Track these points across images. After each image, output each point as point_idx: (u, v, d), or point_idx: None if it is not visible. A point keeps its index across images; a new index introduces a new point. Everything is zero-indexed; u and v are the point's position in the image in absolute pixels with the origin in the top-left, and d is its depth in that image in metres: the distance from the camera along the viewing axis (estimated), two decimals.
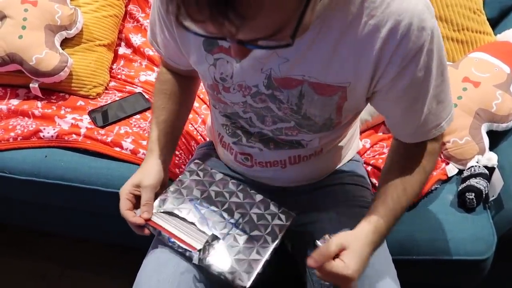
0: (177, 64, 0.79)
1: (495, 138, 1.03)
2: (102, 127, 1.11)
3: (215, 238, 0.72)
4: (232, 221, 0.74)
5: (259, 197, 0.80)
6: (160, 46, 0.77)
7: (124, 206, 0.75)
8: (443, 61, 0.63)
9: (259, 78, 0.66)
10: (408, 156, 0.71)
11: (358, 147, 1.00)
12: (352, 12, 0.57)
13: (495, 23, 1.22)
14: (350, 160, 0.93)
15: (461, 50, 1.14)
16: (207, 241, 0.71)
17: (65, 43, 1.18)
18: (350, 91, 0.63)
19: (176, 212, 0.75)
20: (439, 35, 0.61)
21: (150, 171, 0.77)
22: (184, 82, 0.83)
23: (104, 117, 1.13)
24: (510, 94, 1.03)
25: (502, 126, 1.02)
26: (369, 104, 0.78)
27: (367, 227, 0.66)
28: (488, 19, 1.18)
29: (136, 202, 0.76)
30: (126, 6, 1.33)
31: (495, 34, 1.17)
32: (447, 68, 0.65)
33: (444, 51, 0.63)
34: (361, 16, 0.57)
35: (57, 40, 1.15)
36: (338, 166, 0.90)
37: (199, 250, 0.70)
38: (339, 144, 0.85)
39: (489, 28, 1.16)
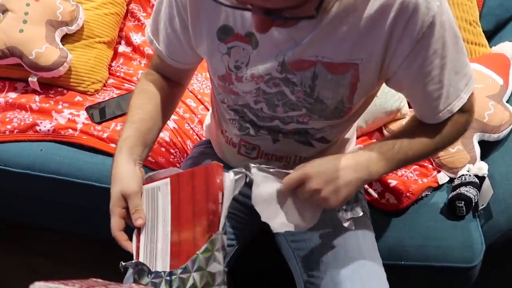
0: (178, 61, 0.77)
1: (487, 148, 1.05)
2: (99, 123, 1.11)
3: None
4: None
5: None
6: (161, 43, 0.76)
7: (117, 225, 0.68)
8: (457, 32, 0.64)
9: (273, 66, 0.67)
10: (433, 126, 0.70)
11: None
12: None
13: (491, 35, 1.24)
14: None
15: None
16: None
17: (65, 38, 1.19)
18: (362, 68, 0.65)
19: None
20: (448, 8, 0.62)
21: (126, 176, 0.69)
22: (170, 87, 0.81)
23: (101, 114, 1.13)
24: (502, 105, 1.04)
25: (494, 136, 1.03)
26: (365, 111, 0.80)
27: (348, 154, 0.67)
28: (483, 31, 1.20)
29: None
30: (127, 5, 1.34)
31: (490, 46, 1.19)
32: (461, 38, 0.65)
33: (455, 22, 0.63)
34: None
35: (58, 36, 1.16)
36: None
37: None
38: (340, 146, 0.86)
39: (484, 40, 1.18)
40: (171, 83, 0.81)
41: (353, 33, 0.62)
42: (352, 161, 0.66)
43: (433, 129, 0.70)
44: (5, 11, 1.13)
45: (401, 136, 0.70)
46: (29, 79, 1.14)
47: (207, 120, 1.01)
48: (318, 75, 0.66)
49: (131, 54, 1.32)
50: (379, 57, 0.63)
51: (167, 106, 0.79)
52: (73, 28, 1.17)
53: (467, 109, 0.72)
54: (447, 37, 0.62)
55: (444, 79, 0.65)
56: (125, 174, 0.69)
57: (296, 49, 0.64)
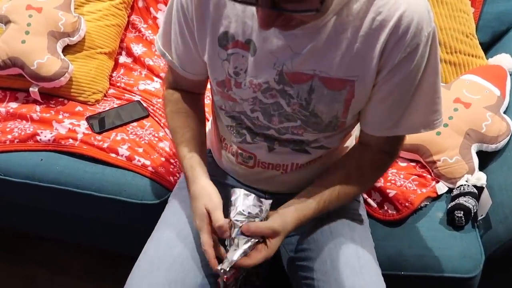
0: (190, 72, 0.79)
1: (485, 159, 1.05)
2: (99, 133, 1.12)
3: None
4: None
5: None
6: (173, 54, 0.77)
7: (209, 242, 0.70)
8: (437, 67, 0.67)
9: (270, 75, 0.68)
10: (359, 165, 0.76)
11: None
12: (362, 9, 0.62)
13: (487, 47, 1.26)
14: None
15: (454, 72, 1.18)
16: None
17: (67, 49, 1.20)
18: (358, 85, 0.67)
19: None
20: (436, 41, 0.65)
21: (207, 190, 0.73)
22: (193, 98, 0.84)
23: (101, 124, 1.14)
24: (499, 116, 1.05)
25: (492, 147, 1.04)
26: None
27: (295, 217, 0.73)
28: (480, 43, 1.21)
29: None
30: (129, 17, 1.36)
31: (487, 58, 1.20)
32: (440, 77, 0.68)
33: (438, 58, 0.67)
34: (370, 13, 0.62)
35: (59, 46, 1.17)
36: None
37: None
38: (337, 153, 0.86)
39: (481, 52, 1.19)
40: (193, 95, 0.84)
41: (350, 50, 0.64)
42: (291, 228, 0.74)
43: (359, 184, 0.78)
44: (7, 22, 1.15)
45: (331, 191, 0.75)
46: (30, 89, 1.15)
47: (207, 128, 1.01)
48: (315, 89, 0.68)
49: (131, 65, 1.33)
50: (373, 75, 0.65)
51: (201, 116, 0.84)
52: (75, 39, 1.19)
53: (395, 154, 0.79)
54: (423, 67, 0.65)
55: (410, 104, 0.69)
56: (206, 189, 0.73)
57: (295, 61, 0.66)
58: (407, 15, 0.61)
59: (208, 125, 0.99)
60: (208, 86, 0.85)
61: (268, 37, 0.65)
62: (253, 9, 0.65)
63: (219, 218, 0.70)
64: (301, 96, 0.69)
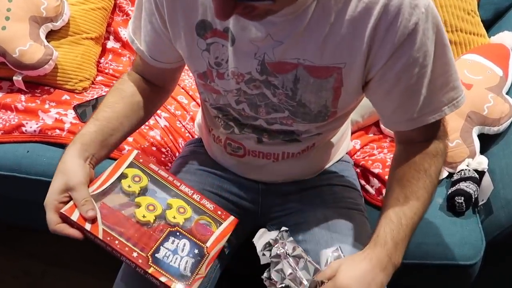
0: (158, 61, 0.74)
1: (486, 142, 1.02)
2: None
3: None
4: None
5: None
6: (142, 42, 0.73)
7: (54, 221, 0.62)
8: (444, 41, 0.61)
9: (252, 65, 0.64)
10: (407, 162, 0.68)
11: (349, 147, 0.99)
12: None
13: (490, 24, 1.21)
14: (340, 160, 0.92)
15: (455, 51, 1.13)
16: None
17: (50, 35, 1.15)
18: (345, 73, 0.62)
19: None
20: (435, 15, 0.60)
21: (72, 169, 0.64)
22: (150, 91, 0.77)
23: (89, 113, 1.10)
24: (502, 98, 1.01)
25: (494, 129, 1.01)
26: (360, 104, 0.77)
27: (368, 250, 0.63)
28: (482, 21, 1.16)
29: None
30: None
31: (489, 36, 1.16)
32: (451, 51, 0.63)
33: (444, 31, 0.61)
34: None
35: (42, 32, 1.12)
36: (328, 166, 0.88)
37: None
38: (331, 140, 0.83)
39: (483, 30, 1.15)
40: (152, 87, 0.78)
41: (335, 36, 0.59)
42: (376, 261, 0.61)
43: (420, 179, 0.66)
44: None
45: (397, 202, 0.65)
46: (14, 78, 1.10)
47: (198, 117, 0.98)
48: (300, 79, 0.63)
49: (120, 50, 1.28)
50: (362, 62, 0.60)
51: (142, 109, 0.75)
52: (58, 24, 1.14)
53: (441, 136, 0.70)
54: (431, 46, 0.59)
55: (422, 89, 0.62)
56: (70, 166, 0.64)
57: (276, 50, 0.61)
58: None
59: (198, 116, 0.96)
60: None
61: (246, 26, 0.61)
62: None
63: (83, 195, 0.62)
64: (286, 86, 0.65)
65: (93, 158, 0.68)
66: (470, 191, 0.92)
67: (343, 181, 0.88)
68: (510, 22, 1.16)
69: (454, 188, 0.94)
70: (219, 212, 0.71)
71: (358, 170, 1.00)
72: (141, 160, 0.72)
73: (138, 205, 0.67)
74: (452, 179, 0.97)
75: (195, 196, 0.71)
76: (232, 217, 0.72)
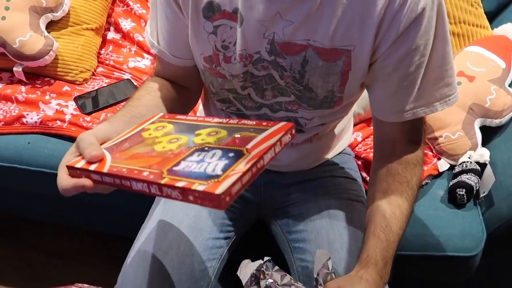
0: (179, 57, 0.71)
1: (488, 134, 1.02)
2: (88, 113, 1.08)
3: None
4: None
5: None
6: (161, 41, 0.70)
7: (62, 178, 0.54)
8: (446, 35, 0.61)
9: (261, 44, 0.63)
10: (390, 173, 0.68)
11: (350, 140, 0.99)
12: None
13: (493, 16, 1.20)
14: (342, 152, 0.92)
15: (457, 43, 1.13)
16: None
17: (51, 26, 1.14)
18: (354, 56, 0.61)
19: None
20: (442, 5, 0.59)
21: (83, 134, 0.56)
22: (174, 90, 0.74)
23: (90, 104, 1.10)
24: (504, 90, 1.01)
25: (496, 121, 1.00)
26: (361, 96, 0.76)
27: (362, 270, 0.62)
28: (485, 12, 1.16)
29: None
30: None
31: (492, 28, 1.15)
32: (450, 45, 0.62)
33: (447, 26, 0.61)
34: None
35: (43, 23, 1.11)
36: (330, 156, 0.88)
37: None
38: (334, 131, 0.83)
39: (486, 22, 1.14)
40: (176, 86, 0.74)
41: (346, 17, 0.58)
42: (372, 282, 0.61)
43: (403, 191, 0.67)
44: None
45: (383, 218, 0.66)
46: (14, 68, 1.10)
47: (200, 109, 0.97)
48: (309, 61, 0.63)
49: (120, 41, 1.27)
50: (370, 44, 0.60)
51: (170, 103, 0.71)
52: (59, 14, 1.13)
53: (420, 140, 0.70)
54: (432, 35, 0.59)
55: (418, 79, 0.62)
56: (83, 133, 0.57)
57: (286, 29, 0.60)
58: None
59: (200, 108, 0.95)
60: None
61: (254, 5, 0.60)
62: None
63: (89, 140, 0.54)
64: (294, 68, 0.64)
65: (115, 125, 0.60)
66: (471, 183, 0.92)
67: (345, 173, 0.88)
68: None
69: (455, 180, 0.94)
70: (264, 123, 0.54)
71: (359, 162, 1.00)
72: (167, 117, 0.61)
73: (159, 143, 0.53)
74: (453, 171, 0.97)
75: (231, 121, 0.56)
76: (283, 122, 0.53)
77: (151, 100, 0.69)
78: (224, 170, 0.44)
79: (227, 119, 0.57)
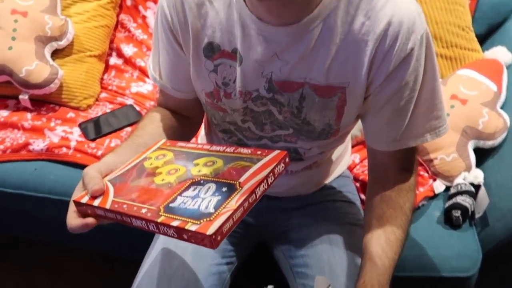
0: (181, 91, 0.75)
1: (482, 156, 1.05)
2: (93, 140, 1.10)
3: None
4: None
5: None
6: (163, 76, 0.74)
7: (70, 217, 0.57)
8: (435, 70, 0.65)
9: (259, 82, 0.66)
10: (384, 200, 0.72)
11: (348, 162, 1.01)
12: (351, 13, 0.60)
13: (483, 39, 1.24)
14: (341, 176, 0.94)
15: (450, 66, 1.16)
16: None
17: (55, 54, 1.17)
18: (349, 92, 0.65)
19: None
20: (430, 44, 0.63)
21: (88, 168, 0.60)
22: (177, 119, 0.77)
23: (94, 130, 1.12)
24: (496, 112, 1.04)
25: (489, 143, 1.04)
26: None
27: None
28: (476, 35, 1.19)
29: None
30: (117, 16, 1.33)
31: (483, 50, 1.19)
32: (439, 80, 0.66)
33: (436, 63, 0.64)
34: (359, 17, 0.59)
35: (48, 51, 1.14)
36: (329, 181, 0.91)
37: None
38: (332, 157, 0.86)
39: (477, 45, 1.18)
40: (179, 117, 0.78)
41: (340, 56, 0.62)
42: None
43: (397, 217, 0.70)
44: None
45: (378, 244, 0.69)
46: (20, 96, 1.13)
47: (201, 134, 1.00)
48: (306, 97, 0.66)
49: (122, 66, 1.31)
50: (364, 81, 0.63)
51: (172, 131, 0.74)
52: (63, 43, 1.16)
53: (412, 168, 0.73)
54: (421, 72, 0.63)
55: (409, 112, 0.65)
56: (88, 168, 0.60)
57: (283, 69, 0.64)
58: (396, 20, 0.58)
59: (202, 133, 0.98)
60: None
61: (252, 46, 0.63)
62: (236, 14, 0.62)
63: (91, 174, 0.57)
64: (292, 104, 0.67)
65: (121, 153, 0.64)
66: (466, 205, 0.94)
67: (344, 197, 0.91)
68: (503, 37, 1.19)
69: (451, 202, 0.97)
70: (259, 152, 0.55)
71: (357, 184, 1.03)
72: (168, 144, 0.63)
73: (159, 174, 0.56)
74: (449, 193, 1.00)
75: (228, 149, 0.58)
76: (277, 151, 0.55)
77: (155, 129, 0.73)
78: (216, 207, 0.46)
79: (224, 147, 0.59)
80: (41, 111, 1.15)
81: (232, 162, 0.54)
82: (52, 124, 1.13)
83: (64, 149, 1.07)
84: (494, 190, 0.98)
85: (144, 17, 1.34)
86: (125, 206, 0.51)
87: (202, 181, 0.52)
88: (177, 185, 0.52)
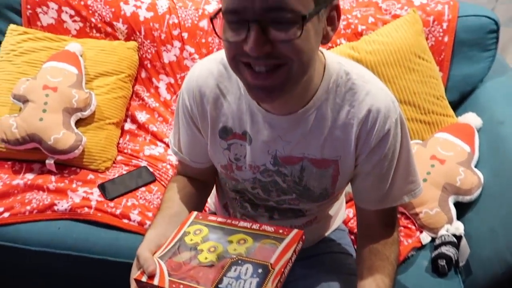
0: (199, 162, 0.88)
1: (462, 209, 1.17)
2: (111, 199, 1.21)
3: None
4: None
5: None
6: (184, 151, 0.87)
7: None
8: (408, 145, 0.79)
9: (266, 158, 0.79)
10: (372, 252, 0.83)
11: (344, 216, 1.13)
12: (338, 103, 0.74)
13: (456, 105, 1.41)
14: (337, 229, 1.06)
15: (429, 130, 1.32)
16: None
17: (78, 122, 1.31)
18: (341, 164, 0.78)
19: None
20: (404, 124, 0.78)
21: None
22: (195, 185, 0.90)
23: (112, 190, 1.23)
24: (471, 171, 1.18)
25: (467, 198, 1.16)
26: None
27: None
28: (450, 102, 1.36)
29: None
30: (133, 87, 1.49)
31: (457, 116, 1.35)
32: (412, 152, 0.81)
33: (408, 137, 0.79)
34: (345, 106, 0.74)
35: (73, 121, 1.27)
36: (327, 233, 1.02)
37: None
38: (329, 213, 0.98)
39: (451, 111, 1.34)
40: (197, 182, 0.90)
41: (331, 136, 0.76)
42: None
43: (385, 267, 0.80)
44: (25, 101, 1.26)
45: None
46: (47, 161, 1.24)
47: (213, 193, 1.12)
48: (305, 169, 0.79)
49: (136, 131, 1.44)
50: (352, 155, 0.77)
51: (195, 197, 0.87)
52: (87, 113, 1.30)
53: (395, 223, 0.86)
54: (398, 146, 0.77)
55: (389, 178, 0.79)
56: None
57: (286, 147, 0.78)
58: (374, 108, 0.73)
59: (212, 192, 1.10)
60: None
61: (259, 129, 0.77)
62: (246, 105, 0.76)
63: (144, 256, 0.69)
64: (294, 174, 0.80)
65: (160, 231, 0.76)
66: (450, 254, 1.05)
67: (342, 249, 1.02)
68: (474, 104, 1.36)
69: (436, 252, 1.08)
70: (281, 231, 0.69)
71: (352, 237, 1.14)
72: (200, 217, 0.76)
73: (201, 251, 0.69)
74: (434, 244, 1.11)
75: (254, 226, 0.71)
76: (295, 230, 0.69)
77: (181, 198, 0.86)
78: None
79: (250, 224, 0.72)
80: (63, 174, 1.27)
81: (260, 240, 0.69)
82: (74, 185, 1.24)
83: (86, 209, 1.17)
84: (475, 241, 1.09)
85: (156, 88, 1.50)
86: (182, 286, 0.63)
87: (240, 261, 0.65)
88: (219, 263, 0.66)
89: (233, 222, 0.73)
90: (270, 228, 0.70)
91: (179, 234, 0.73)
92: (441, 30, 1.35)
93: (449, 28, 1.35)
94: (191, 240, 0.71)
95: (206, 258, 0.67)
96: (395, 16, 1.38)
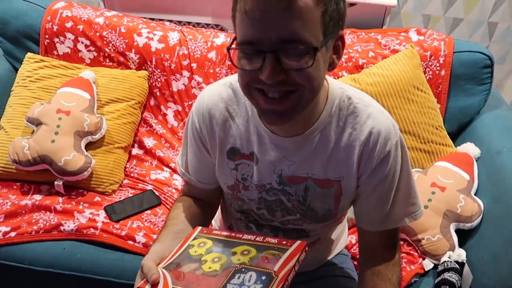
0: (205, 183, 0.90)
1: (464, 236, 1.19)
2: (117, 221, 1.23)
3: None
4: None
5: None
6: (191, 171, 0.89)
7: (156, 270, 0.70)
8: (408, 167, 0.81)
9: (272, 178, 0.82)
10: (374, 274, 0.84)
11: (346, 242, 1.14)
12: (340, 126, 0.78)
13: (455, 135, 1.45)
14: (340, 254, 1.07)
15: (429, 159, 1.35)
16: None
17: (88, 145, 1.34)
18: (344, 184, 0.80)
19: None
20: (404, 147, 0.81)
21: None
22: (200, 205, 0.91)
23: (118, 212, 1.25)
24: (471, 198, 1.21)
25: (467, 225, 1.18)
26: None
27: None
28: (449, 133, 1.41)
29: None
30: (142, 113, 1.54)
31: (456, 146, 1.39)
32: (412, 175, 0.83)
33: (408, 159, 0.82)
34: (347, 128, 0.78)
35: (83, 143, 1.31)
36: (329, 257, 1.04)
37: None
38: (331, 236, 0.99)
39: (449, 141, 1.39)
40: (202, 203, 0.92)
41: (334, 157, 0.79)
42: None
43: (383, 283, 0.81)
44: (39, 124, 1.30)
45: None
46: (55, 182, 1.27)
47: (218, 214, 1.14)
48: (309, 188, 0.82)
49: (143, 156, 1.48)
50: (355, 175, 0.80)
51: (199, 217, 0.89)
52: (97, 137, 1.34)
53: (396, 245, 0.86)
54: (398, 168, 0.80)
55: (390, 199, 0.82)
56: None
57: (291, 167, 0.81)
58: (375, 131, 0.76)
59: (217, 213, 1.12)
60: None
61: (266, 150, 0.80)
62: (253, 127, 0.80)
63: (148, 266, 0.71)
64: (299, 194, 0.83)
65: (165, 244, 0.78)
66: (453, 280, 1.06)
67: (344, 273, 1.03)
68: (471, 135, 1.41)
69: (439, 278, 1.08)
70: (284, 242, 0.70)
71: (355, 262, 1.14)
72: (205, 231, 0.77)
73: (205, 262, 0.70)
74: (437, 270, 1.11)
75: (257, 239, 0.72)
76: (298, 241, 0.70)
77: (186, 217, 0.88)
78: None
79: (254, 236, 0.73)
80: (71, 195, 1.29)
81: (264, 251, 0.69)
82: (81, 207, 1.26)
83: (92, 230, 1.19)
84: (477, 267, 1.10)
85: (164, 115, 1.55)
86: None
87: (243, 269, 0.66)
88: (222, 272, 0.67)
89: (237, 235, 0.75)
90: (273, 240, 0.71)
91: (184, 247, 0.74)
92: (438, 64, 1.42)
93: (445, 63, 1.41)
94: (195, 252, 0.72)
95: (210, 268, 0.68)
96: (394, 51, 1.45)
